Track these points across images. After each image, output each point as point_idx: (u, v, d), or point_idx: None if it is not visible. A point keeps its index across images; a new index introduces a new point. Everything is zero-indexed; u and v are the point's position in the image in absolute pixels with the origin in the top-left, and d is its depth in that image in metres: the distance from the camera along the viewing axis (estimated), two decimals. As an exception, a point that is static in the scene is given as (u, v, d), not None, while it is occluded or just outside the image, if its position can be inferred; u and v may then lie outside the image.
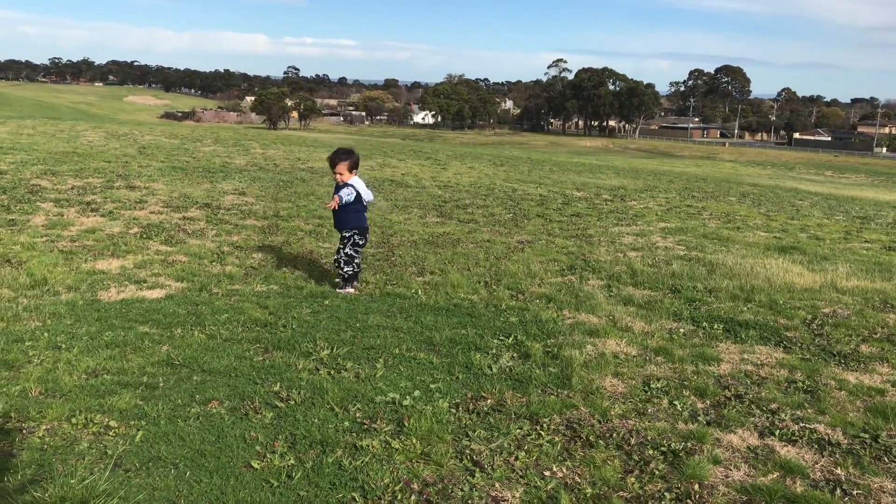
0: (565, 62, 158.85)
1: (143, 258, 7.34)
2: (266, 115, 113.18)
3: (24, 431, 3.66)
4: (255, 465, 3.44)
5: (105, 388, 4.21)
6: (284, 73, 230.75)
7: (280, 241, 8.56)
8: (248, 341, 5.15)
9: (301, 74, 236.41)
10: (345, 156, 6.70)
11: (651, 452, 3.78)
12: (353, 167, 6.74)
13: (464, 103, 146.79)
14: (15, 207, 9.32)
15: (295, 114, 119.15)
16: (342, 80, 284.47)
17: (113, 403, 4.00)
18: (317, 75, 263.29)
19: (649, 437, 3.94)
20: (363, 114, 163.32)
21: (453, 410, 4.16)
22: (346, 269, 6.72)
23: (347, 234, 6.74)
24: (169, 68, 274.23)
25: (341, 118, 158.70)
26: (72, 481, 3.17)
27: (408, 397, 4.26)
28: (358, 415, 4.03)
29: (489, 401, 4.32)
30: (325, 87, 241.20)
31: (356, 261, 6.78)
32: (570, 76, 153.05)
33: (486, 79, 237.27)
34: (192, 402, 4.08)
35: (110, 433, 3.68)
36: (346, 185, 6.70)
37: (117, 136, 20.66)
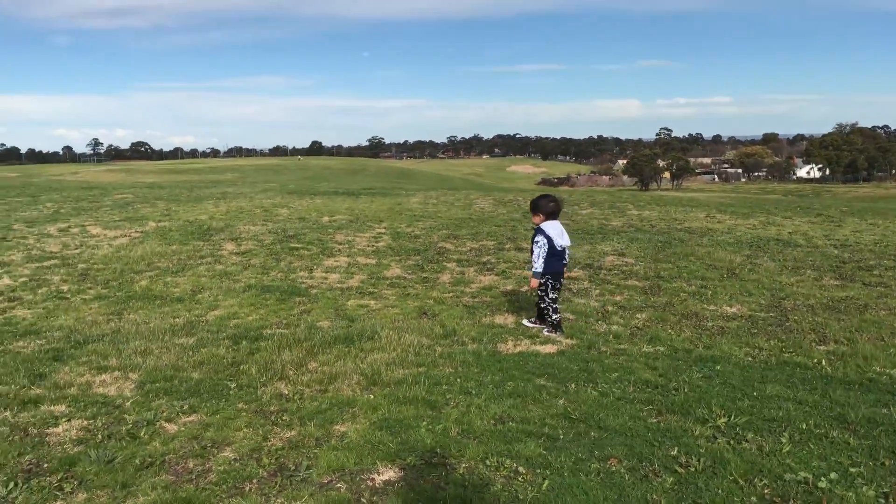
0: None
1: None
2: (638, 176, 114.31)
3: (448, 467, 4.10)
4: (659, 530, 3.38)
5: (511, 434, 4.54)
6: (656, 134, 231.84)
7: (663, 301, 8.46)
8: (640, 402, 5.15)
9: (673, 135, 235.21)
10: (534, 201, 7.20)
11: None
12: (540, 211, 7.07)
13: (857, 153, 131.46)
14: (427, 267, 10.68)
15: (667, 174, 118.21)
16: (716, 138, 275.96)
17: (519, 450, 4.29)
18: (689, 134, 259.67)
19: None
20: (739, 171, 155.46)
21: (881, 500, 3.64)
22: (554, 318, 7.06)
23: (542, 280, 7.03)
24: (546, 138, 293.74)
25: (715, 176, 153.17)
26: (491, 519, 3.45)
27: (823, 479, 3.84)
28: (766, 491, 3.75)
29: (928, 495, 3.70)
30: (699, 146, 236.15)
31: (555, 306, 7.10)
32: None
33: (885, 125, 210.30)
34: (591, 458, 4.19)
35: (519, 478, 3.94)
36: (537, 231, 7.03)
37: (504, 203, 22.54)
